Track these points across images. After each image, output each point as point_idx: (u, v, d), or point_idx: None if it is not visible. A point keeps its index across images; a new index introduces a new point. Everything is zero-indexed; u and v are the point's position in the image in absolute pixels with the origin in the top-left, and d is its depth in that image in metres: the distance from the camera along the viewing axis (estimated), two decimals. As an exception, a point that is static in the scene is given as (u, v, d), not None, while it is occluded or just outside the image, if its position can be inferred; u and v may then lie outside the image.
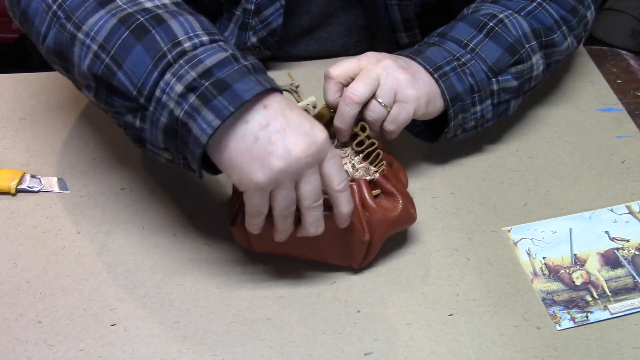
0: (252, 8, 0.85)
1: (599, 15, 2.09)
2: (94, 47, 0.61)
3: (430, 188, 0.79)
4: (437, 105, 0.73)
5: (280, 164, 0.56)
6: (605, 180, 0.81)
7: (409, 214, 0.69)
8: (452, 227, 0.75)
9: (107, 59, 0.61)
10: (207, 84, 0.57)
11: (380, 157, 0.69)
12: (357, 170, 0.69)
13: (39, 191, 0.76)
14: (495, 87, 0.77)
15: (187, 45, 0.59)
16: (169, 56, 0.58)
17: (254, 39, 0.87)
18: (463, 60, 0.75)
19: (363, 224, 0.66)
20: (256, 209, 0.60)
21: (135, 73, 0.59)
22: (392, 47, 0.95)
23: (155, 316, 0.66)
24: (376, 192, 0.68)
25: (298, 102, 0.89)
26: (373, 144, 0.69)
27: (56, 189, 0.76)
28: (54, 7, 0.65)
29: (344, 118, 0.69)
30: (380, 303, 0.68)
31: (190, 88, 0.57)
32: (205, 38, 0.60)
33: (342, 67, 0.71)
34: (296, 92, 0.90)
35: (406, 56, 0.74)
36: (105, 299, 0.67)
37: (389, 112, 0.70)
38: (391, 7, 0.89)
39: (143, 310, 0.66)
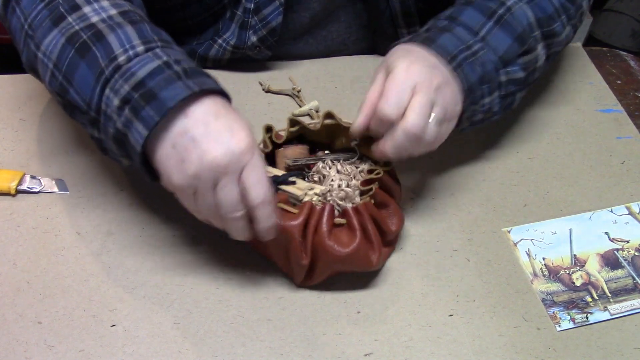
0: (252, 7, 0.85)
1: (599, 16, 2.09)
2: (51, 66, 0.65)
3: (430, 188, 0.79)
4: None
5: (192, 170, 0.58)
6: (605, 181, 0.81)
7: (365, 258, 0.65)
8: (452, 227, 0.75)
9: (61, 78, 0.65)
10: (136, 95, 0.59)
11: (371, 192, 0.67)
12: (340, 192, 0.67)
13: (38, 192, 0.76)
14: (503, 78, 0.75)
15: (121, 59, 0.61)
16: (106, 72, 0.61)
17: (253, 38, 0.87)
18: (474, 48, 0.72)
19: (305, 246, 0.64)
20: (190, 208, 0.62)
21: (83, 90, 0.63)
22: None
23: (155, 317, 0.66)
24: (341, 221, 0.66)
25: (300, 106, 0.89)
26: (379, 174, 0.67)
27: (56, 189, 0.76)
28: (26, 26, 0.69)
29: (400, 153, 0.66)
30: (380, 304, 0.68)
31: (125, 101, 0.59)
32: (140, 48, 0.62)
33: (394, 103, 0.65)
34: (298, 96, 0.90)
35: (420, 43, 0.71)
36: (105, 300, 0.67)
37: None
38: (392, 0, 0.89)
39: (143, 311, 0.66)
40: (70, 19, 0.66)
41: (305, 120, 0.84)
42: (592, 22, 2.02)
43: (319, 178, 0.70)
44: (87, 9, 0.66)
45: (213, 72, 0.92)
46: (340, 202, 0.67)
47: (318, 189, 0.67)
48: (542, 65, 0.81)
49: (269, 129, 0.71)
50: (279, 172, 0.69)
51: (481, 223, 0.76)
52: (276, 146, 0.72)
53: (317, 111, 0.88)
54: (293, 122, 0.71)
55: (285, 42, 0.93)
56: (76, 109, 0.65)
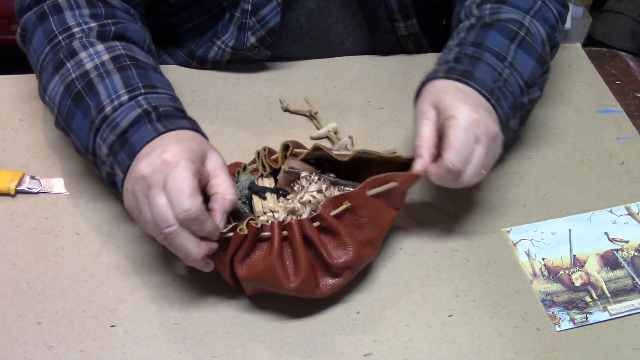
0: (250, 8, 0.85)
1: (599, 17, 2.10)
2: (55, 109, 0.72)
3: (430, 189, 0.79)
4: None
5: (129, 187, 0.61)
6: (604, 182, 0.81)
7: (283, 277, 0.61)
8: (452, 228, 0.75)
9: (62, 122, 0.71)
10: (116, 142, 0.65)
11: (315, 213, 0.64)
12: (291, 203, 0.66)
13: (38, 192, 0.76)
14: (525, 99, 0.75)
15: (108, 109, 0.67)
16: (96, 122, 0.67)
17: (252, 39, 0.87)
18: (504, 76, 0.72)
19: (224, 263, 0.62)
20: (148, 231, 0.62)
21: (80, 136, 0.69)
22: (390, 41, 0.95)
23: (154, 317, 0.66)
24: (266, 235, 0.62)
25: (318, 128, 0.86)
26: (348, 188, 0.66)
27: (56, 190, 0.77)
28: (38, 65, 0.75)
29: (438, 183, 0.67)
30: (379, 304, 0.68)
31: (111, 148, 0.65)
32: (124, 98, 0.67)
33: (464, 156, 0.65)
34: (315, 118, 0.88)
35: (456, 79, 0.69)
36: (104, 300, 0.67)
37: None
38: None
39: (142, 312, 0.66)
40: (68, 65, 0.71)
41: (326, 143, 0.80)
42: (592, 22, 2.02)
43: (299, 188, 0.68)
44: (83, 55, 0.71)
45: (213, 73, 0.92)
46: (281, 212, 0.65)
47: (279, 214, 0.65)
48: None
49: (286, 147, 0.69)
50: (270, 185, 0.69)
51: (481, 223, 0.76)
52: (275, 171, 0.70)
53: (335, 133, 0.84)
54: (316, 148, 0.68)
55: (284, 44, 0.93)
56: (78, 149, 0.71)
